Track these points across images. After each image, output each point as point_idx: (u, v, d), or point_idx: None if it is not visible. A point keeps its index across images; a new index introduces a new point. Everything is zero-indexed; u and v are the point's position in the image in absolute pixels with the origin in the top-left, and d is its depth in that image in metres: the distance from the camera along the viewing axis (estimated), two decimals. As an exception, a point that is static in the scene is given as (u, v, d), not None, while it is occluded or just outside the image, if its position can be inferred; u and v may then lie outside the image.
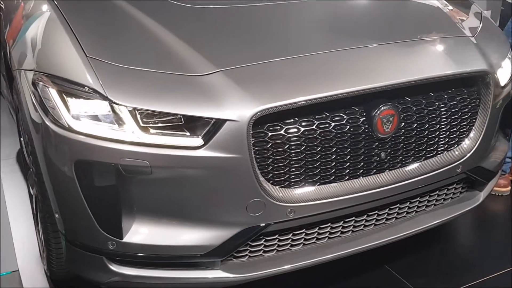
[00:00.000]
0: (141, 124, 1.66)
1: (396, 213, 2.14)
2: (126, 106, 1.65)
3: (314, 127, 1.78)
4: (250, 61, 1.79)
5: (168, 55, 1.80)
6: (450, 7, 2.48)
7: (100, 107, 1.67)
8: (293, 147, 1.76)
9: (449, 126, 2.06)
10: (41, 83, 1.79)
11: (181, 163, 1.66)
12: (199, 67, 1.75)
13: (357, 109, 1.85)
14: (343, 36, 2.07)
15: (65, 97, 1.71)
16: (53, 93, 1.74)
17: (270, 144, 1.73)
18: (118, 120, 1.66)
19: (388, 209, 2.09)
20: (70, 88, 1.72)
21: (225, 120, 1.65)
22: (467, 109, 2.09)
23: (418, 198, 2.16)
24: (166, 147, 1.64)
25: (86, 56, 1.75)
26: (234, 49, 1.88)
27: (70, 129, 1.68)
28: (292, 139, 1.75)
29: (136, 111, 1.65)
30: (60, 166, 1.73)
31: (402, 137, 1.95)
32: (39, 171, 1.85)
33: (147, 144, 1.64)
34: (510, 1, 2.93)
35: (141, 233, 1.73)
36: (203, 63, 1.76)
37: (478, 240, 2.79)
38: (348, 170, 1.88)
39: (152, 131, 1.66)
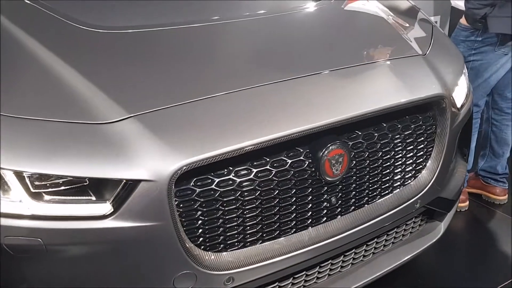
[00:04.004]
0: (32, 190, 1.31)
1: (351, 259, 1.88)
2: (11, 170, 1.29)
3: (252, 176, 1.48)
4: (171, 102, 1.45)
5: (68, 98, 1.44)
6: (395, 18, 2.21)
7: None
8: (228, 203, 1.46)
9: (404, 158, 1.82)
10: None
11: (84, 238, 1.32)
12: (105, 112, 1.41)
13: (301, 150, 1.56)
14: (278, 65, 1.72)
15: None
16: None
17: (199, 202, 1.42)
18: (2, 186, 1.30)
19: (342, 256, 1.83)
20: None
21: (138, 181, 1.32)
22: (423, 138, 1.85)
23: (375, 239, 1.91)
24: (64, 219, 1.30)
25: None
26: (151, 87, 1.52)
27: None
28: (226, 193, 1.45)
29: (25, 174, 1.30)
30: None
31: (354, 177, 1.69)
32: None
33: (39, 217, 1.29)
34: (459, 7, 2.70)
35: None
36: (111, 106, 1.42)
37: (433, 268, 2.55)
38: (294, 222, 1.60)
39: (46, 197, 1.31)
